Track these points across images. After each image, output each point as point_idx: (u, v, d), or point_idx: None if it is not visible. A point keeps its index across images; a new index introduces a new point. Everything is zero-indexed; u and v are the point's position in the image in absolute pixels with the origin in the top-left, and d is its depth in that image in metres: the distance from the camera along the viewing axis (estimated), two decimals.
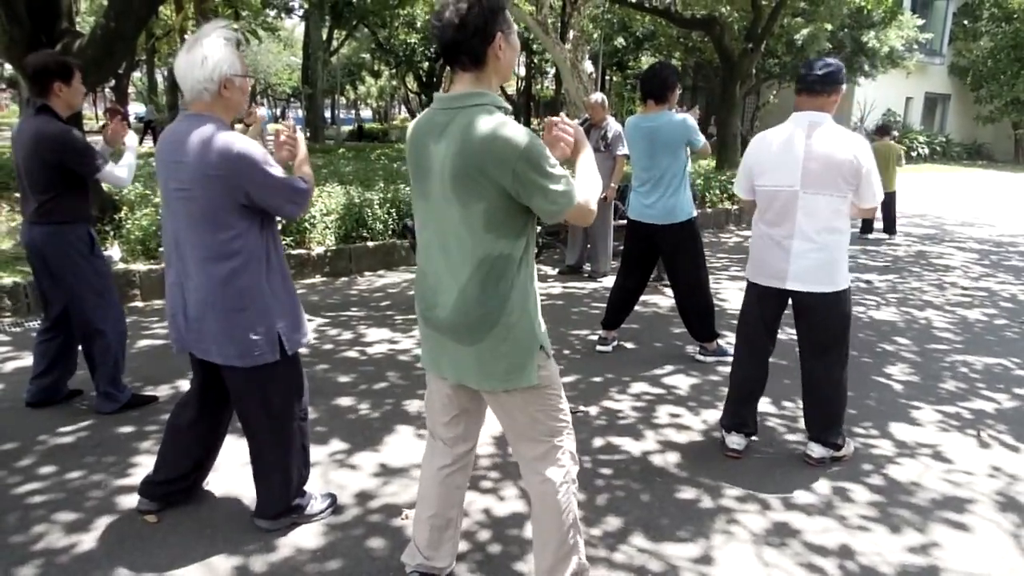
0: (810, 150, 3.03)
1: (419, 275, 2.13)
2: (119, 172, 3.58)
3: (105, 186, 3.67)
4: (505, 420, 2.16)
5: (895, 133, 9.96)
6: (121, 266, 5.90)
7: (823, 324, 3.21)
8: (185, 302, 2.48)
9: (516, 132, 1.83)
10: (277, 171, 2.37)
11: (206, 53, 2.30)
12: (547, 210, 1.90)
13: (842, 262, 3.14)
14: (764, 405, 3.91)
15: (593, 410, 3.91)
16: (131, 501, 2.88)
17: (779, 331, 3.46)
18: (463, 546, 2.59)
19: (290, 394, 2.63)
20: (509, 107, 1.96)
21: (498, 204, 1.88)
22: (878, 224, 9.94)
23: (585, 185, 2.01)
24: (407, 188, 8.26)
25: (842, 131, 3.06)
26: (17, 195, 8.37)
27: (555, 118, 2.12)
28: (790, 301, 3.28)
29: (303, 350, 2.70)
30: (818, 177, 3.03)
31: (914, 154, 23.36)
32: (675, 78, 4.54)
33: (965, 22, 26.06)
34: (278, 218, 2.56)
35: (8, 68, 24.39)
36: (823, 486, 3.15)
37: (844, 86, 3.11)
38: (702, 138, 4.61)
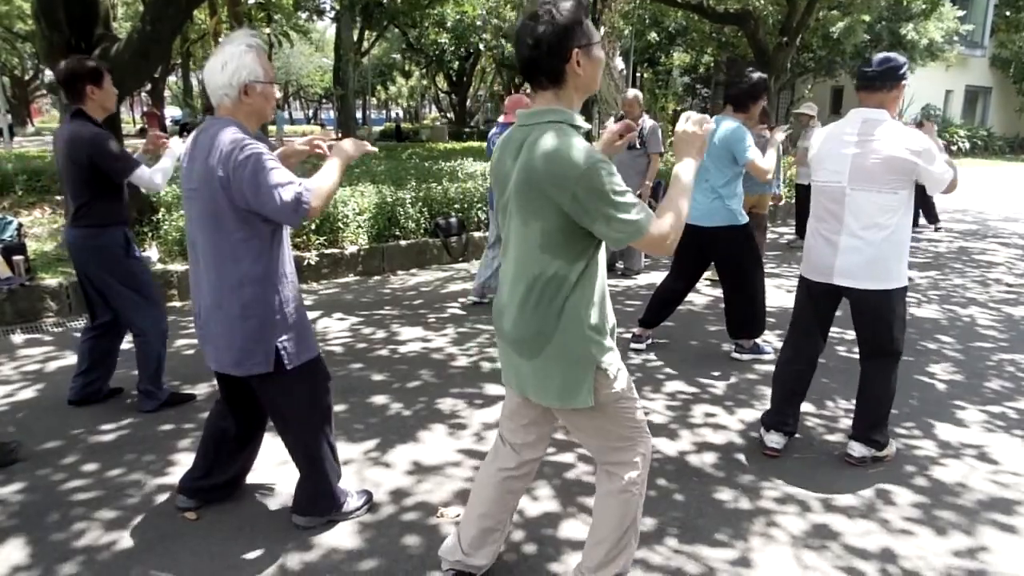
0: (859, 147, 3.00)
1: (499, 286, 2.15)
2: (153, 175, 3.54)
3: (143, 188, 3.67)
4: (574, 431, 2.16)
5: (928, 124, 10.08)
6: (159, 267, 6.01)
7: (875, 322, 3.14)
8: (199, 303, 2.52)
9: (579, 153, 1.77)
10: (276, 176, 2.27)
11: (226, 59, 2.32)
12: (611, 238, 1.82)
13: (893, 260, 3.04)
14: (804, 405, 3.83)
15: None
16: (170, 498, 2.92)
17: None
18: None
19: (299, 403, 2.61)
20: (585, 125, 1.92)
21: (556, 224, 1.85)
22: (922, 220, 10.05)
23: (667, 213, 1.88)
24: (439, 187, 8.30)
25: (898, 127, 2.98)
26: (59, 198, 8.60)
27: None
28: (844, 300, 3.22)
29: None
30: (866, 173, 2.98)
31: (954, 148, 22.82)
32: (742, 81, 4.34)
33: (1007, 13, 25.41)
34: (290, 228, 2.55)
35: (49, 74, 24.99)
36: (865, 488, 3.08)
37: (905, 81, 3.06)
38: (750, 153, 4.21)
